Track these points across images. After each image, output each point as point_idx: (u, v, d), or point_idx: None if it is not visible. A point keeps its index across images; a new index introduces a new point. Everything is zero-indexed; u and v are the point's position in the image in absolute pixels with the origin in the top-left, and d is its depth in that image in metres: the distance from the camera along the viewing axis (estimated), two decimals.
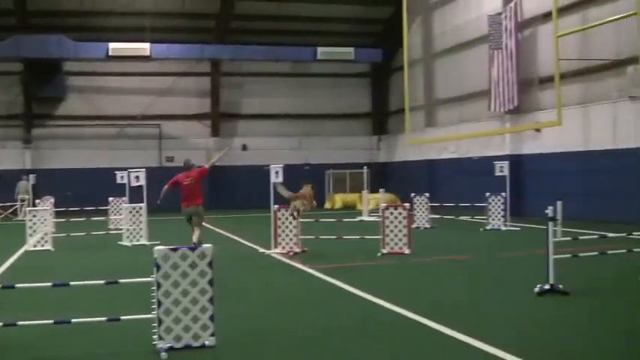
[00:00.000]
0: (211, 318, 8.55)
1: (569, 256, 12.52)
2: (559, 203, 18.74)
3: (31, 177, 37.64)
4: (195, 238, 16.69)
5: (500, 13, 30.73)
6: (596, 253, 13.29)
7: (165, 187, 17.47)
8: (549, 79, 26.99)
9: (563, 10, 26.38)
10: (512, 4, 30.05)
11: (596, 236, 14.01)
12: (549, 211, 11.46)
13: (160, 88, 42.83)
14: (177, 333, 8.47)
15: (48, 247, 20.82)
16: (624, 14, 21.96)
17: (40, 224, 21.20)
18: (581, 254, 12.91)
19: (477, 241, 21.72)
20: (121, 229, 23.59)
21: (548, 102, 28.48)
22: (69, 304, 11.41)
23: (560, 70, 23.44)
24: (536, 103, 29.69)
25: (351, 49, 41.73)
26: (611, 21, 23.08)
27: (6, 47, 36.52)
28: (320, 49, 41.08)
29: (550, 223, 11.43)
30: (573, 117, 26.99)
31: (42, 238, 21.02)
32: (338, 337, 9.33)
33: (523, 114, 30.76)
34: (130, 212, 22.32)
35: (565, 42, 25.17)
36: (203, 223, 17.79)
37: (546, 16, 27.42)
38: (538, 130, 29.79)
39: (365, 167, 36.00)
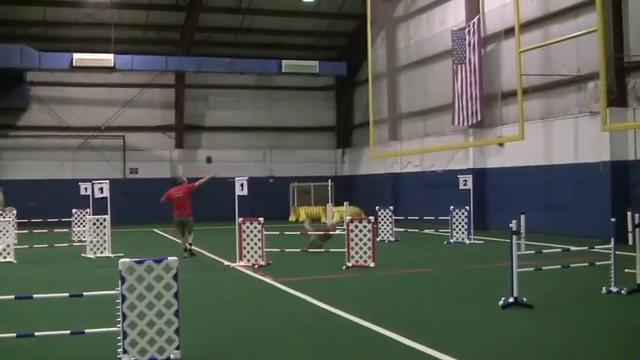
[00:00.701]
0: (176, 331, 8.51)
1: (532, 269, 12.65)
2: (522, 217, 18.90)
3: None
4: (188, 241, 21.79)
5: (463, 29, 30.98)
6: (559, 266, 13.43)
7: (162, 199, 22.05)
8: (512, 94, 27.26)
9: (525, 26, 26.67)
10: (475, 20, 30.31)
11: (559, 249, 14.11)
12: (513, 224, 11.56)
13: (124, 99, 42.59)
14: (142, 346, 8.41)
15: (10, 259, 20.58)
16: (585, 31, 22.22)
17: (2, 236, 20.97)
18: (544, 267, 13.02)
19: (441, 254, 21.83)
20: (84, 241, 23.39)
21: (511, 116, 28.78)
22: (32, 317, 11.30)
23: (522, 85, 23.65)
24: (500, 118, 29.94)
25: (316, 63, 41.92)
26: (572, 37, 23.32)
27: None
28: (285, 62, 41.19)
29: (514, 237, 11.53)
30: (536, 131, 27.25)
31: (4, 250, 20.79)
32: (303, 349, 9.34)
33: (486, 128, 31.00)
34: (94, 224, 22.13)
35: (527, 57, 25.44)
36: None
37: (509, 32, 27.67)
38: (501, 145, 30.03)
39: (329, 180, 36.12)
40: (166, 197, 21.98)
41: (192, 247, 21.93)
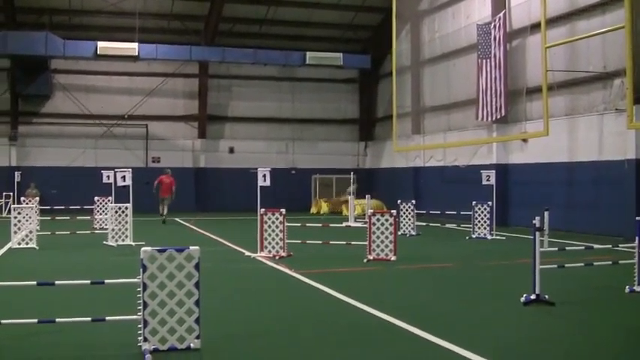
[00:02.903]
0: (197, 321, 8.49)
1: (555, 266, 12.55)
2: (546, 213, 18.81)
3: (17, 174, 37.50)
4: (164, 213, 32.16)
5: (489, 23, 30.78)
6: (582, 264, 13.32)
7: (155, 182, 32.17)
8: (537, 90, 27.10)
9: (551, 22, 26.48)
10: (501, 14, 30.11)
11: (582, 247, 14.00)
12: (536, 221, 11.46)
13: (148, 88, 42.69)
14: (162, 335, 8.42)
15: (32, 245, 20.71)
16: (612, 27, 22.07)
17: (25, 222, 21.08)
18: (567, 265, 12.92)
19: (462, 249, 21.71)
20: (106, 229, 23.49)
21: (535, 112, 28.59)
22: (53, 304, 11.34)
23: (547, 81, 23.50)
24: (524, 114, 29.74)
25: (340, 55, 41.79)
26: (598, 34, 23.16)
27: None
28: (309, 54, 41.10)
29: (537, 234, 11.43)
30: (560, 128, 27.08)
31: (26, 236, 20.91)
32: (322, 341, 9.30)
33: (510, 124, 30.83)
34: (116, 212, 22.21)
35: (553, 53, 25.27)
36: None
37: (535, 27, 27.47)
38: (525, 141, 29.86)
39: (351, 173, 36.03)
40: (159, 181, 32.41)
41: (166, 218, 32.13)
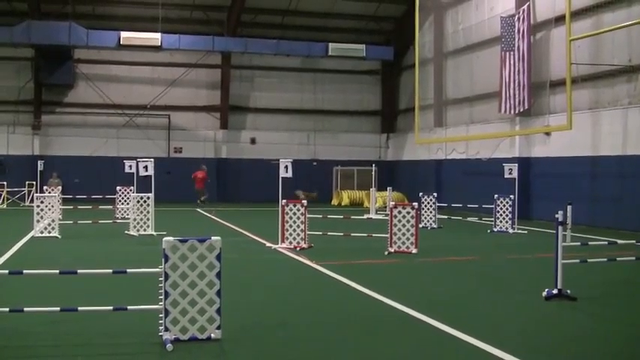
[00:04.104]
0: (218, 311, 8.51)
1: (577, 261, 12.45)
2: (569, 208, 18.68)
3: (40, 163, 37.75)
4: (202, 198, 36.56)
5: (513, 15, 30.60)
6: (605, 259, 13.21)
7: (192, 175, 37.49)
8: (560, 83, 26.93)
9: (576, 14, 26.30)
10: (525, 7, 29.92)
11: (605, 242, 13.90)
12: (559, 215, 11.38)
13: (170, 78, 42.81)
14: (183, 325, 8.44)
15: (55, 234, 20.83)
16: (638, 20, 21.88)
17: (48, 211, 21.20)
18: (589, 260, 12.84)
19: (484, 242, 21.64)
20: (127, 219, 23.59)
21: (559, 106, 28.42)
22: (75, 292, 11.39)
23: (571, 74, 23.34)
24: (547, 107, 29.55)
25: (362, 46, 41.75)
26: (624, 27, 22.99)
27: (17, 33, 36.60)
28: (331, 45, 41.09)
29: (559, 228, 11.35)
30: (583, 122, 26.90)
31: (49, 225, 21.04)
32: (343, 333, 9.30)
33: (533, 117, 30.66)
34: (138, 202, 22.29)
35: (577, 46, 25.11)
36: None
37: (559, 20, 27.30)
38: (548, 134, 29.68)
39: (373, 165, 35.97)
40: (194, 176, 37.35)
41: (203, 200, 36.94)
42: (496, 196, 24.78)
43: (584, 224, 24.75)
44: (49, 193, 25.44)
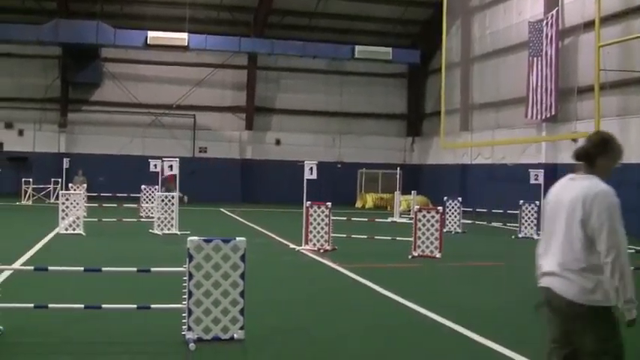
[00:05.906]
0: (241, 311, 8.49)
1: None
2: None
3: (65, 161, 37.95)
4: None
5: (541, 20, 30.43)
6: (632, 267, 13.03)
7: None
8: (588, 89, 26.70)
9: (605, 20, 26.06)
10: (554, 12, 29.73)
11: (632, 251, 13.77)
12: None
13: (196, 78, 42.93)
14: (206, 324, 8.43)
15: (79, 231, 20.92)
16: None
17: (73, 208, 21.30)
18: None
19: (508, 248, 21.52)
20: (152, 217, 23.66)
21: (586, 112, 28.18)
22: (99, 290, 11.40)
23: (599, 80, 23.15)
24: (574, 113, 29.35)
25: (389, 49, 41.65)
26: None
27: (45, 31, 36.84)
28: (358, 48, 41.03)
29: None
30: (611, 128, 26.35)
31: (74, 222, 21.13)
32: (366, 336, 9.26)
33: (560, 123, 30.44)
34: (162, 201, 22.34)
35: (606, 52, 24.87)
36: None
37: (588, 25, 27.09)
38: (575, 140, 29.40)
39: (398, 168, 35.86)
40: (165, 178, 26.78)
41: None
42: (521, 201, 24.63)
43: None
44: (75, 190, 25.55)
